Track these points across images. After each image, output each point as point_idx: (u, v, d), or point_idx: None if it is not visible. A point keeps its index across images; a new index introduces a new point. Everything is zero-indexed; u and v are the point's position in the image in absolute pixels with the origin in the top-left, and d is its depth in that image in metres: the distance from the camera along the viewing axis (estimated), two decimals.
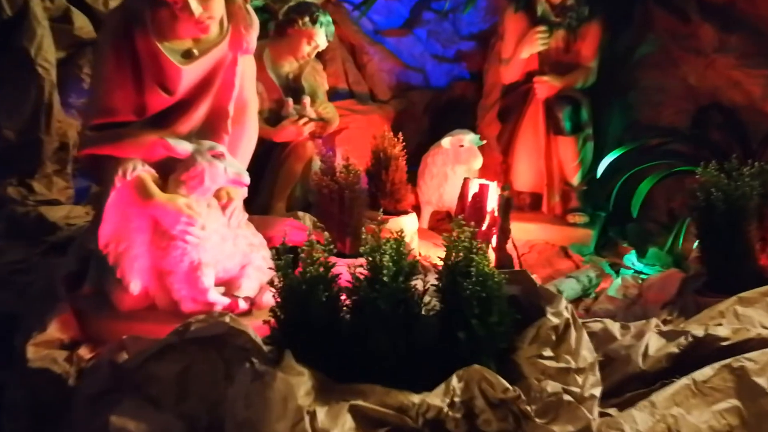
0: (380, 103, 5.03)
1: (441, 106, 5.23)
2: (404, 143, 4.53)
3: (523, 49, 4.24)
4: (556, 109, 4.19)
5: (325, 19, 3.95)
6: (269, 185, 4.03)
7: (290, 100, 3.95)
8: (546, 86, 4.23)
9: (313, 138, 4.03)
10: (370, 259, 1.93)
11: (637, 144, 4.24)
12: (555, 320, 1.94)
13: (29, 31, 3.26)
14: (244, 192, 3.02)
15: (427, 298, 2.06)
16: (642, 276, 3.65)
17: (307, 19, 3.91)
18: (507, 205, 3.61)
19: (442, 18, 5.26)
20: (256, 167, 4.05)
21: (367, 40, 5.00)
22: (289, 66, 4.08)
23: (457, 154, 4.19)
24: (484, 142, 4.38)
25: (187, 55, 2.62)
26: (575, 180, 4.31)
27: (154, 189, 2.60)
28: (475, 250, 1.92)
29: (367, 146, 4.41)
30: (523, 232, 4.28)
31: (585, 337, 2.00)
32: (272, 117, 4.00)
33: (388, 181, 3.88)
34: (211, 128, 2.80)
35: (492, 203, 3.61)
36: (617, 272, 3.81)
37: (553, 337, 1.95)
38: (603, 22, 4.30)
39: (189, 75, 2.62)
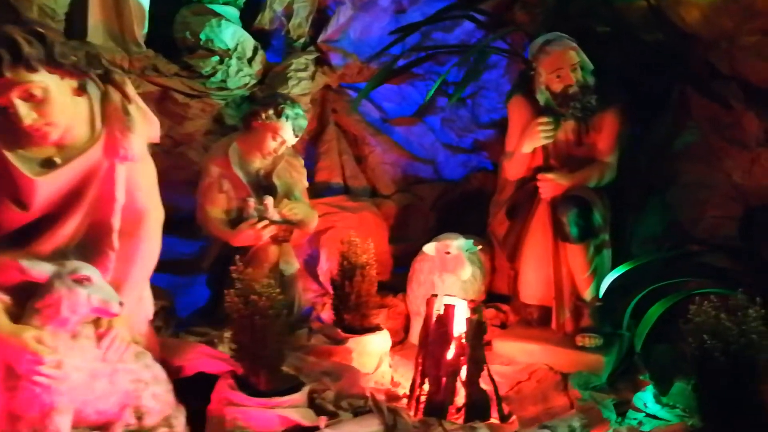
0: (383, 198, 4.56)
1: (454, 200, 4.70)
2: (408, 242, 4.03)
3: (524, 142, 3.68)
4: (560, 212, 3.58)
5: (293, 111, 3.57)
6: None
7: (251, 201, 3.58)
8: (551, 185, 3.64)
9: (277, 242, 3.61)
10: None
11: (652, 257, 3.53)
12: None
13: None
14: (140, 319, 2.62)
15: None
16: (648, 426, 2.92)
17: (270, 111, 3.55)
18: (479, 330, 3.02)
19: (459, 104, 4.77)
20: (217, 273, 3.76)
21: (369, 131, 4.59)
22: (260, 162, 3.72)
23: (443, 261, 3.64)
24: (479, 248, 3.80)
25: (48, 165, 2.27)
26: (587, 294, 3.64)
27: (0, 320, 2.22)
28: None
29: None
30: (525, 354, 3.66)
31: None
32: (239, 218, 3.63)
33: (352, 293, 3.38)
34: (92, 245, 2.44)
35: (460, 327, 3.03)
36: (623, 416, 3.10)
37: None
38: (620, 111, 3.70)
39: (47, 187, 2.27)
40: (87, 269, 2.31)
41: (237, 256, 2.78)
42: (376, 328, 3.44)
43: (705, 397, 2.30)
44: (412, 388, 3.16)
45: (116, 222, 2.43)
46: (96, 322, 2.43)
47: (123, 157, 2.35)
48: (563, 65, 3.51)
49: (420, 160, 4.70)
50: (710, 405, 2.29)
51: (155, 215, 2.59)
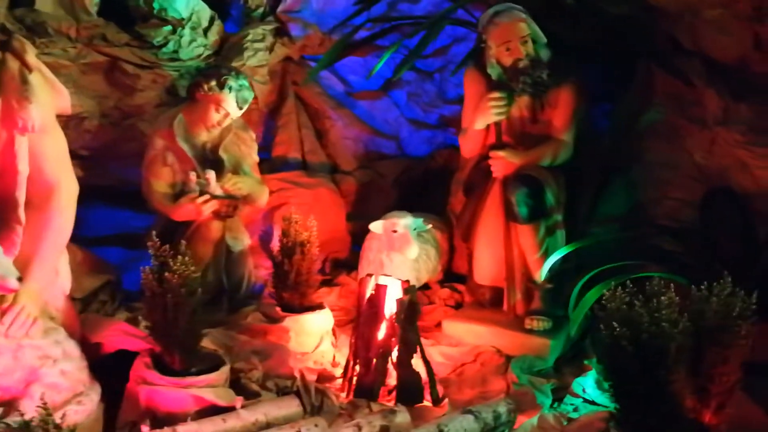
0: (343, 174, 4.47)
1: (417, 177, 4.60)
2: (368, 219, 3.94)
3: (476, 118, 3.57)
4: (509, 191, 3.47)
5: (237, 83, 3.48)
6: None
7: (193, 174, 3.51)
8: (502, 162, 3.54)
9: (220, 218, 3.54)
10: None
11: (599, 239, 3.43)
12: None
13: None
14: (56, 294, 2.57)
15: None
16: (582, 411, 2.84)
17: (213, 83, 3.47)
18: (411, 311, 2.95)
19: (426, 79, 4.65)
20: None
21: (330, 104, 4.47)
22: (207, 135, 3.64)
23: (390, 240, 3.55)
24: (429, 227, 3.71)
25: None
26: (539, 276, 3.54)
27: None
28: None
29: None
30: (473, 335, 3.59)
31: None
32: (183, 192, 3.56)
33: (292, 271, 3.31)
34: None
35: (392, 308, 2.95)
36: (560, 402, 3.02)
37: None
38: (576, 87, 3.57)
39: None
40: None
41: (153, 232, 2.70)
42: (316, 307, 3.37)
43: (616, 385, 2.21)
44: (345, 369, 3.10)
45: (21, 195, 2.37)
46: (1, 298, 2.39)
47: (22, 128, 2.28)
48: (512, 38, 3.37)
49: (383, 135, 4.58)
50: (622, 394, 2.20)
51: (66, 188, 2.52)
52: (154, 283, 2.55)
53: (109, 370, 2.78)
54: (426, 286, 4.05)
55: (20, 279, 2.28)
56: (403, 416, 2.63)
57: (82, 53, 3.77)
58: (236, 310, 3.60)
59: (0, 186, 2.34)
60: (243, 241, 3.78)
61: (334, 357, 3.38)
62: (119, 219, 4.14)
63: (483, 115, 3.54)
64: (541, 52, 3.45)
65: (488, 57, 3.48)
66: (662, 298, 2.10)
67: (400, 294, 2.96)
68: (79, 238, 3.92)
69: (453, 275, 4.19)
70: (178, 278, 2.52)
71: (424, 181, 4.59)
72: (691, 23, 3.56)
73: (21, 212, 2.38)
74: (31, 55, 2.31)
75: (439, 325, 3.72)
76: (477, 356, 3.48)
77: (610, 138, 4.09)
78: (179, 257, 2.60)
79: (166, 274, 2.55)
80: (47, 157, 2.43)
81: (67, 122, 3.72)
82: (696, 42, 3.57)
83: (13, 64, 2.27)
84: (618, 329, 2.10)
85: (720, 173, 3.54)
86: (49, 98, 2.37)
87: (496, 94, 3.49)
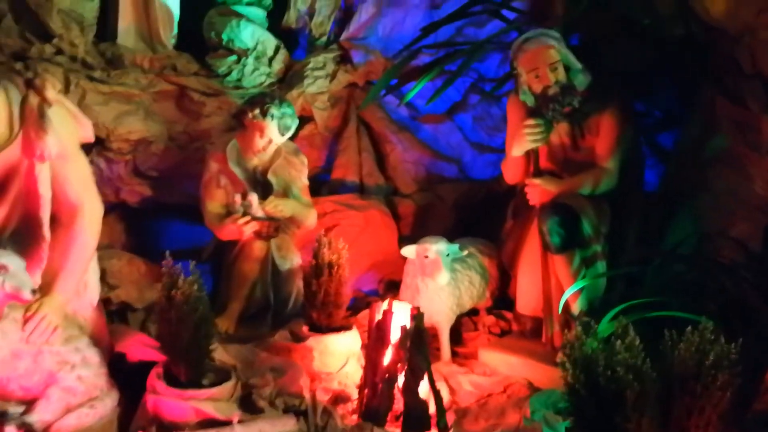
0: (401, 197, 4.52)
1: (478, 201, 4.56)
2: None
3: (512, 145, 3.52)
4: (541, 220, 3.38)
5: (279, 111, 3.66)
6: (224, 285, 3.84)
7: (238, 196, 3.72)
8: (537, 190, 3.46)
9: (261, 238, 3.72)
10: None
11: (621, 271, 3.27)
12: None
13: None
14: (83, 305, 2.83)
15: None
16: None
17: (257, 111, 3.66)
18: (417, 337, 2.95)
19: (492, 102, 4.62)
20: (213, 264, 3.95)
21: (391, 128, 4.54)
22: (258, 159, 3.85)
23: (422, 265, 3.56)
24: (465, 253, 3.67)
25: None
26: (575, 307, 3.42)
27: None
28: None
29: (362, 245, 4.01)
30: (506, 365, 3.54)
31: None
32: (230, 213, 3.78)
33: (320, 291, 3.40)
34: (27, 235, 2.68)
35: (396, 333, 2.98)
36: None
37: None
38: (619, 112, 3.43)
39: None
40: (4, 258, 2.54)
41: (167, 252, 2.89)
42: (342, 328, 3.44)
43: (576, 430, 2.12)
44: (360, 392, 3.15)
45: (45, 215, 2.64)
46: (28, 306, 2.66)
47: (40, 156, 2.55)
48: (539, 64, 3.30)
49: (444, 158, 4.59)
50: None
51: (90, 208, 2.76)
52: (163, 299, 2.74)
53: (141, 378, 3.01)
54: (475, 312, 4.02)
55: (34, 291, 2.54)
56: None
57: (152, 83, 4.10)
58: (280, 327, 3.75)
59: (26, 206, 2.63)
60: (292, 260, 3.93)
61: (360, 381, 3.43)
62: (191, 234, 4.42)
63: (519, 143, 3.48)
64: (575, 79, 3.35)
65: (520, 84, 3.43)
66: (619, 342, 1.99)
67: (407, 320, 2.98)
68: (151, 251, 4.30)
69: (509, 302, 4.11)
70: (181, 295, 2.70)
71: (485, 205, 4.54)
72: (750, 44, 3.33)
73: (46, 230, 2.65)
74: (52, 92, 2.57)
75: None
76: (506, 387, 3.41)
77: (675, 165, 3.89)
78: (187, 277, 2.77)
79: (173, 291, 2.73)
80: (70, 180, 2.68)
81: (135, 146, 4.09)
82: (755, 64, 3.32)
83: (33, 100, 2.55)
84: (572, 372, 2.02)
85: None
86: (70, 129, 2.63)
87: (531, 122, 3.43)
